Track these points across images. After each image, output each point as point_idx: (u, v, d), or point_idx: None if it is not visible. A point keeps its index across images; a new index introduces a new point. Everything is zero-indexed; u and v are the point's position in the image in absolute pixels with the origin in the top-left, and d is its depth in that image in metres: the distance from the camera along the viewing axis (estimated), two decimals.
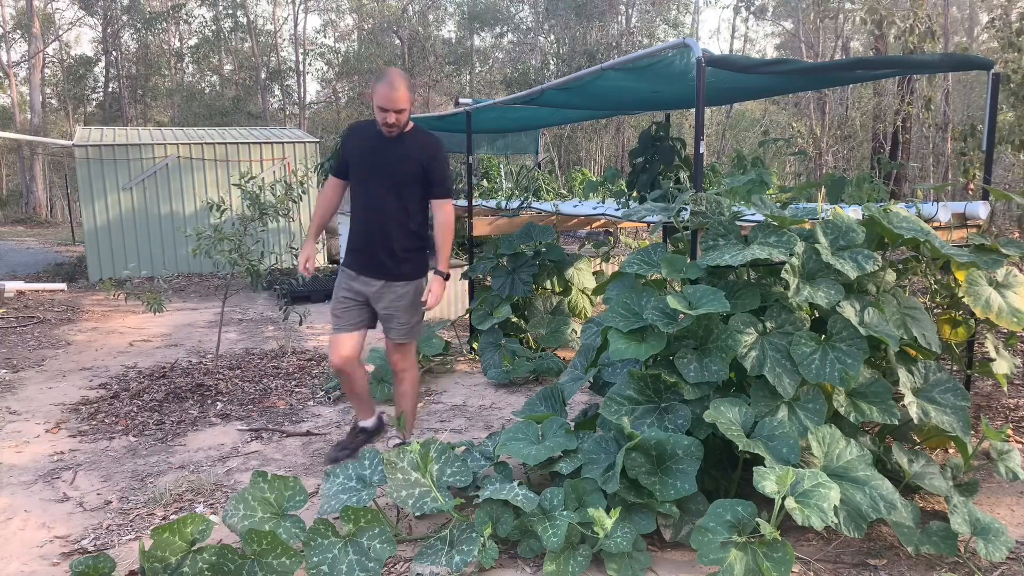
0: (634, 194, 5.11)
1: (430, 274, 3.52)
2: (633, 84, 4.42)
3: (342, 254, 3.80)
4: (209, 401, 4.78)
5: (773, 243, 2.96)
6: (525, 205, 6.60)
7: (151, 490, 3.45)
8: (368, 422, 3.79)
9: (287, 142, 11.39)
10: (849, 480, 2.61)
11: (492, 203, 7.02)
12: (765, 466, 2.50)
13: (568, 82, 4.44)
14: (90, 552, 2.87)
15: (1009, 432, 3.59)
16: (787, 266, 2.91)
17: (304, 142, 11.52)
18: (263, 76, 28.61)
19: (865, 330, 2.79)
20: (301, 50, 29.33)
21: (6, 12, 27.68)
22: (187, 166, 10.79)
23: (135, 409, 4.63)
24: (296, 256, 4.00)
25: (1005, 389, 4.20)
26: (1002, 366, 3.50)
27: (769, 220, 3.09)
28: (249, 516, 2.70)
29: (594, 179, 7.85)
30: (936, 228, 3.59)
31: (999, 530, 2.62)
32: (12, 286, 9.16)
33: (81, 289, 9.73)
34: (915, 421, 2.90)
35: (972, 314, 3.34)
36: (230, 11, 28.81)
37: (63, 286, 9.65)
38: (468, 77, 27.34)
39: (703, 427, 2.82)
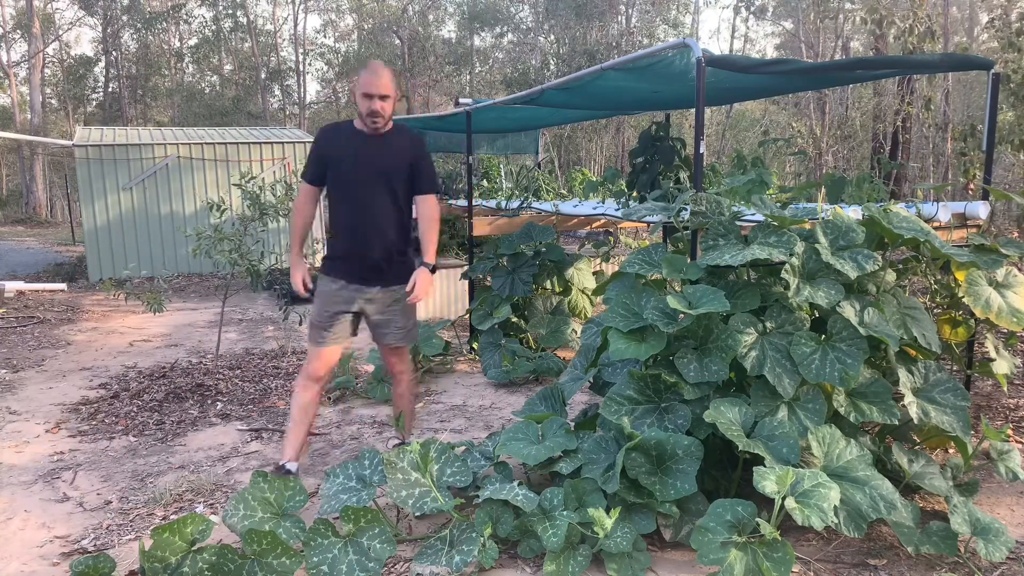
0: (634, 194, 5.11)
1: (420, 268, 3.39)
2: (633, 84, 4.42)
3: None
4: (209, 401, 4.78)
5: (773, 243, 2.96)
6: (525, 205, 6.60)
7: (151, 490, 3.45)
8: (294, 465, 3.35)
9: (287, 142, 11.40)
10: (849, 480, 2.61)
11: (492, 203, 7.02)
12: (765, 466, 2.50)
13: (568, 82, 4.44)
14: (90, 552, 2.87)
15: (1009, 432, 3.59)
16: (787, 266, 2.91)
17: (304, 142, 11.52)
18: (263, 76, 28.64)
19: (865, 330, 2.79)
20: (301, 50, 29.36)
21: (6, 12, 27.69)
22: (187, 166, 10.79)
23: (135, 409, 4.63)
24: None
25: (1005, 389, 4.20)
26: (1002, 366, 3.50)
27: (769, 220, 3.09)
28: (249, 516, 2.70)
29: (594, 179, 7.86)
30: (936, 228, 3.59)
31: (999, 530, 2.62)
32: (12, 286, 9.16)
33: (81, 289, 9.73)
34: (915, 421, 2.90)
35: (972, 314, 3.34)
36: (230, 11, 28.84)
37: (63, 286, 9.65)
38: (468, 77, 27.35)
39: (703, 427, 2.83)
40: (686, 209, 3.34)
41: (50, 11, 28.78)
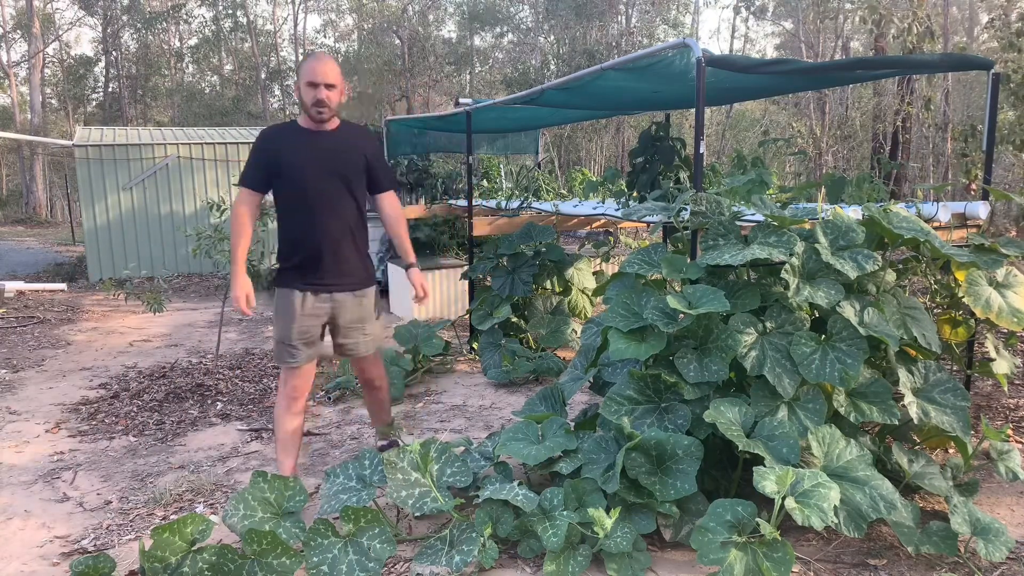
0: (634, 194, 5.11)
1: (410, 270, 3.36)
2: (633, 84, 4.42)
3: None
4: (209, 401, 4.78)
5: (773, 243, 2.96)
6: (525, 205, 6.60)
7: (151, 490, 3.44)
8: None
9: None
10: (849, 480, 2.61)
11: (492, 203, 7.02)
12: (765, 466, 2.50)
13: (568, 82, 4.44)
14: (90, 552, 2.87)
15: (1009, 432, 3.59)
16: (787, 266, 2.91)
17: None
18: (263, 76, 28.63)
19: (865, 330, 2.79)
20: (301, 50, 29.34)
21: (6, 12, 27.69)
22: (187, 166, 10.79)
23: (135, 409, 4.63)
24: None
25: (1005, 389, 4.20)
26: (1002, 366, 3.50)
27: (769, 220, 3.09)
28: (249, 516, 2.70)
29: (594, 179, 7.85)
30: (936, 228, 3.59)
31: (999, 530, 2.62)
32: (12, 286, 9.16)
33: (81, 289, 9.73)
34: (915, 421, 2.90)
35: (972, 314, 3.34)
36: (230, 11, 28.84)
37: (63, 286, 9.65)
38: (468, 77, 27.35)
39: (703, 427, 2.83)
40: (686, 209, 3.34)
41: (50, 11, 28.79)
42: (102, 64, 28.80)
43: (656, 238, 8.87)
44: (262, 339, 6.67)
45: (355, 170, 3.16)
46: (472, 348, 5.79)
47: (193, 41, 30.77)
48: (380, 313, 3.40)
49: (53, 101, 31.14)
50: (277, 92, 30.17)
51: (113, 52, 27.95)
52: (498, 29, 28.68)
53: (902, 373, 2.96)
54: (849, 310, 2.85)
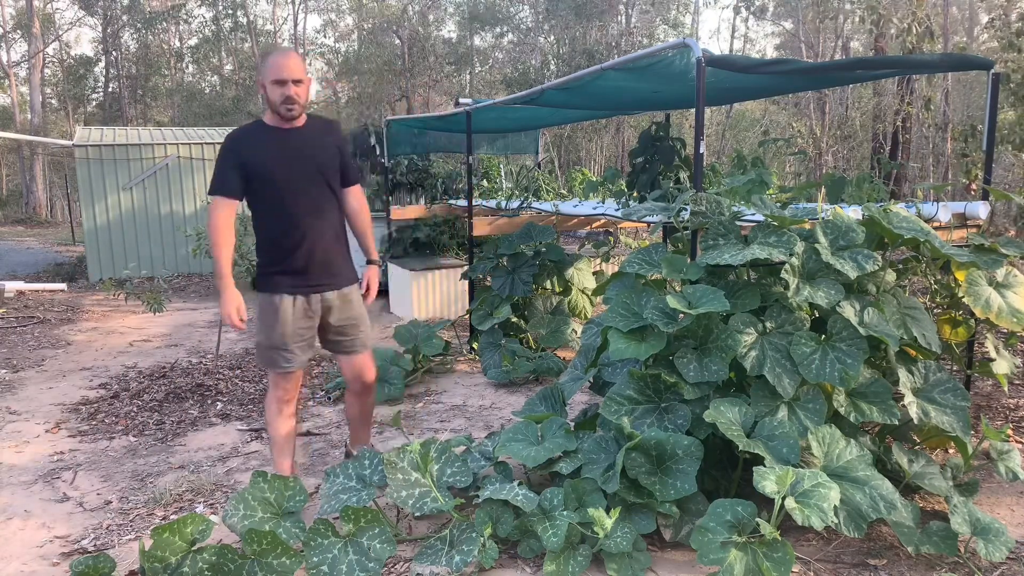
0: (634, 194, 5.11)
1: (369, 266, 3.30)
2: (633, 84, 4.42)
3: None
4: (209, 401, 4.78)
5: (773, 243, 2.96)
6: (525, 205, 6.60)
7: (151, 490, 3.44)
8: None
9: None
10: (849, 480, 2.61)
11: (492, 203, 7.02)
12: (765, 466, 2.50)
13: (568, 82, 4.44)
14: (90, 552, 2.87)
15: (1009, 432, 3.59)
16: (787, 266, 2.91)
17: None
18: None
19: (865, 330, 2.79)
20: (301, 50, 29.33)
21: (6, 12, 27.69)
22: (187, 166, 10.79)
23: (135, 409, 4.64)
24: None
25: (1005, 389, 4.20)
26: (1002, 366, 3.50)
27: (769, 220, 3.09)
28: (249, 516, 2.70)
29: (594, 179, 7.85)
30: (936, 228, 3.59)
31: (999, 530, 2.62)
32: (12, 286, 9.16)
33: (81, 289, 9.73)
34: (915, 421, 2.90)
35: (972, 314, 3.34)
36: (230, 11, 28.82)
37: (63, 286, 9.65)
38: (468, 77, 27.34)
39: (703, 427, 2.82)
40: (686, 209, 3.34)
41: (50, 11, 28.78)
42: (102, 64, 28.80)
43: (656, 238, 8.87)
44: None
45: (331, 165, 3.11)
46: (472, 348, 5.79)
47: (193, 41, 30.77)
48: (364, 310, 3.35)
49: (53, 101, 31.14)
50: None
51: (113, 52, 27.95)
52: (498, 29, 28.67)
53: (902, 373, 2.96)
54: (849, 310, 2.85)
